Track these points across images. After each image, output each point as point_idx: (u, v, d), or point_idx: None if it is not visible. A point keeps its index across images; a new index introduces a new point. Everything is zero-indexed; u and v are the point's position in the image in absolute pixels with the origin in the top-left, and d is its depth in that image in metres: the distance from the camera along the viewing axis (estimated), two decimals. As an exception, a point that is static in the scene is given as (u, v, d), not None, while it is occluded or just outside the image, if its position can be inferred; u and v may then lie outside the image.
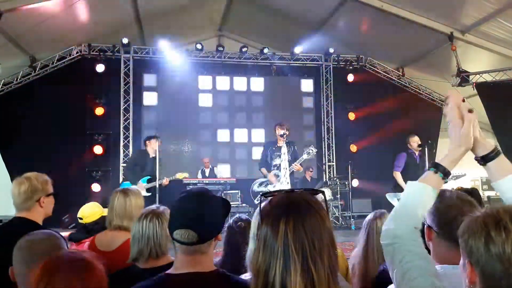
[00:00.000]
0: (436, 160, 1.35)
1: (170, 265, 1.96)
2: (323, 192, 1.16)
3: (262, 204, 1.14)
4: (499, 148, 1.39)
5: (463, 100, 1.34)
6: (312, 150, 6.79)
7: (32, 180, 2.49)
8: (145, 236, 1.99)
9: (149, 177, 6.91)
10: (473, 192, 2.09)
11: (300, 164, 6.73)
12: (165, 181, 6.92)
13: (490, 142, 1.39)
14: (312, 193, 1.20)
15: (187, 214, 1.52)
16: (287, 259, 1.02)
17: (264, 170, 6.83)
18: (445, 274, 1.39)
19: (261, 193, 1.15)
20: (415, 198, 1.31)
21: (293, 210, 1.08)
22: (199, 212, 1.52)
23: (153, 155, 7.04)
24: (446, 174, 1.32)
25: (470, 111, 1.34)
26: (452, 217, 1.44)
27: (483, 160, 1.37)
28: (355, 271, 2.58)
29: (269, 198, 1.16)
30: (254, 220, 1.47)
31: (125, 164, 9.63)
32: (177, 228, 1.50)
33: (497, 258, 0.94)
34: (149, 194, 6.73)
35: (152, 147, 7.04)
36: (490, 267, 0.96)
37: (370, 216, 2.57)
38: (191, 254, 1.51)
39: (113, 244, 2.53)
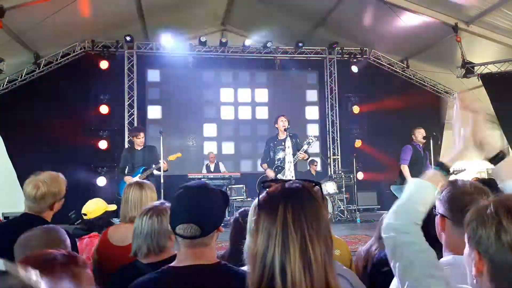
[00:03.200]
0: (441, 159, 1.40)
1: (171, 258, 1.99)
2: (319, 184, 1.17)
3: (260, 195, 1.15)
4: (505, 151, 1.43)
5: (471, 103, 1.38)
6: (312, 139, 6.74)
7: (49, 185, 2.45)
8: (143, 232, 2.02)
9: (143, 167, 6.84)
10: (490, 182, 2.10)
11: (305, 152, 6.69)
12: (164, 165, 6.74)
13: (497, 145, 1.42)
14: (310, 185, 1.21)
15: (188, 209, 1.53)
16: (285, 239, 1.02)
17: (264, 165, 6.81)
18: (456, 264, 1.39)
19: (259, 182, 1.16)
20: (417, 195, 1.34)
21: (292, 195, 1.10)
22: (199, 205, 1.53)
23: (141, 147, 7.00)
24: (447, 171, 1.39)
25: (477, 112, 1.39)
26: (466, 203, 1.46)
27: (491, 161, 1.41)
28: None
29: (267, 188, 1.17)
30: (251, 213, 1.47)
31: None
32: (179, 223, 1.51)
33: (508, 248, 0.93)
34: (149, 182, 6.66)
35: (140, 141, 6.97)
36: (500, 257, 0.94)
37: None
38: (194, 247, 1.53)
39: (127, 238, 2.45)
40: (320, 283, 1.02)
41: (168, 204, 2.14)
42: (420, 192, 1.34)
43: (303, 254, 1.02)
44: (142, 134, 7.09)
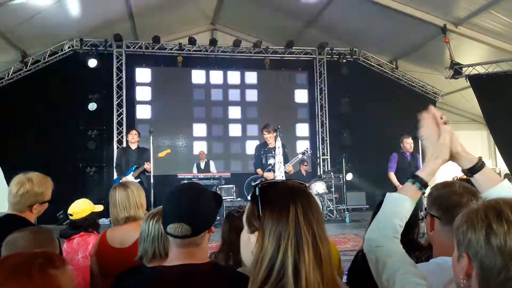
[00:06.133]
0: (417, 173, 1.39)
1: None
2: (304, 185, 1.19)
3: (261, 194, 1.14)
4: (483, 160, 1.42)
5: (441, 117, 1.37)
6: (307, 151, 7.06)
7: (33, 184, 2.38)
8: (150, 236, 1.97)
9: (135, 166, 7.38)
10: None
11: (292, 166, 7.01)
12: (147, 166, 7.19)
13: (473, 155, 1.42)
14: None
15: (179, 208, 1.53)
16: (299, 240, 1.04)
17: (259, 170, 6.98)
18: (442, 264, 1.40)
19: (257, 183, 1.15)
20: (392, 209, 1.35)
21: (298, 194, 1.11)
22: (191, 205, 1.53)
23: (135, 147, 7.61)
24: (423, 185, 1.37)
25: (446, 123, 1.39)
26: (455, 202, 1.49)
27: (470, 172, 1.40)
28: None
29: (265, 187, 1.16)
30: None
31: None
32: (171, 222, 1.51)
33: (497, 251, 0.92)
34: (138, 180, 7.18)
35: (132, 138, 7.61)
36: (489, 260, 0.93)
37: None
38: (185, 247, 1.52)
39: (127, 240, 2.46)
40: (328, 278, 1.05)
41: None
42: (396, 206, 1.35)
43: (315, 252, 1.05)
44: (134, 132, 7.71)
